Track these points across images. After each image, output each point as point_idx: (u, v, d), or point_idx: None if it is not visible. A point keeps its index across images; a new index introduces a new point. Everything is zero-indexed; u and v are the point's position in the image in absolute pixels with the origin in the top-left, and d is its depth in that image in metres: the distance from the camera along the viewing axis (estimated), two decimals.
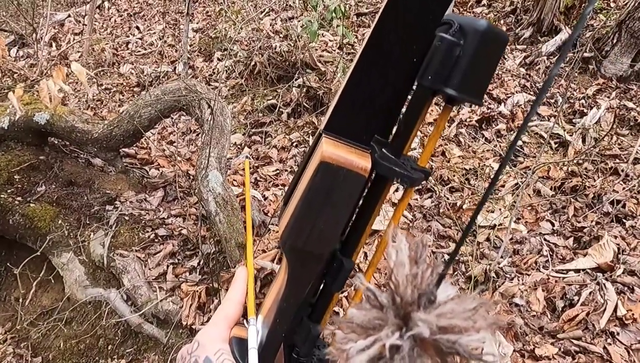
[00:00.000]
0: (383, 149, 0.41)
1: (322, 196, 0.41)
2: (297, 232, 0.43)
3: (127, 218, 2.46)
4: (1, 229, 2.41)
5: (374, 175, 0.42)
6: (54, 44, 6.01)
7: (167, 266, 2.29)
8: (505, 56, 3.85)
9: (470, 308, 0.26)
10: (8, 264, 2.58)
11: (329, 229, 0.42)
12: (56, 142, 2.81)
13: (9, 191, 2.48)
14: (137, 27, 6.00)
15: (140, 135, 2.51)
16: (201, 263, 2.31)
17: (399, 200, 0.43)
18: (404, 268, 0.28)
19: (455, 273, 2.11)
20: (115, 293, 2.19)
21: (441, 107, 0.40)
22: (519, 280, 2.03)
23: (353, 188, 0.41)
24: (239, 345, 0.50)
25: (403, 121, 0.41)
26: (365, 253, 2.13)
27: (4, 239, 2.53)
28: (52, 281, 2.44)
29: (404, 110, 0.41)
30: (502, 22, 4.37)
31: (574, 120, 3.10)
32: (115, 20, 6.59)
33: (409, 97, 0.40)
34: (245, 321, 0.51)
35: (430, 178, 2.56)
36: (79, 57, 5.54)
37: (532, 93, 3.41)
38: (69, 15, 6.94)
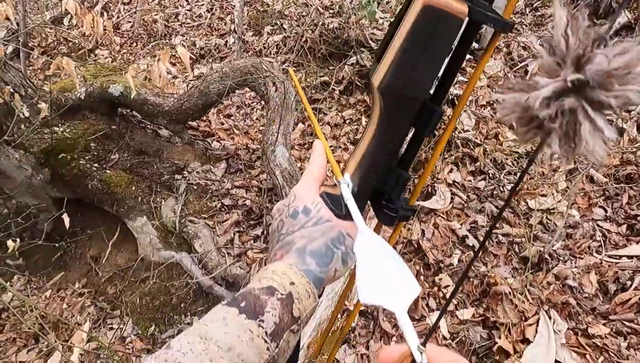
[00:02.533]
0: None
1: (425, 38, 0.44)
2: (399, 76, 0.46)
3: (195, 187, 2.62)
4: (81, 193, 2.61)
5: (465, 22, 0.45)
6: (105, 14, 6.17)
7: (234, 234, 2.46)
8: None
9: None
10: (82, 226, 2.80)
11: (427, 72, 0.46)
12: (125, 113, 2.98)
13: (86, 158, 2.67)
14: None
15: (207, 109, 2.65)
16: (265, 232, 2.46)
17: (485, 49, 0.49)
18: (572, 23, 0.30)
19: (509, 253, 2.21)
20: (187, 257, 2.37)
21: None
22: (572, 263, 2.11)
23: (452, 31, 0.44)
24: (330, 198, 0.55)
25: None
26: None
27: (80, 202, 2.73)
28: (126, 243, 2.65)
29: None
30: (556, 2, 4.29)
31: (629, 108, 3.09)
32: None
33: None
34: (336, 181, 0.56)
35: (484, 159, 2.63)
36: (130, 27, 5.69)
37: None
38: None
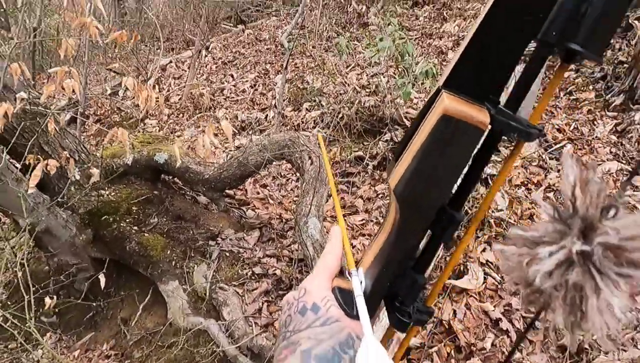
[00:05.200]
0: (499, 106, 0.44)
1: (441, 148, 0.44)
2: (415, 183, 0.45)
3: (227, 254, 2.68)
4: (119, 254, 2.70)
5: (487, 131, 0.44)
6: (157, 87, 6.65)
7: (262, 303, 2.46)
8: (595, 122, 3.84)
9: None
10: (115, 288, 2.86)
11: (445, 181, 0.45)
12: (167, 179, 3.14)
13: (127, 220, 2.79)
14: (232, 75, 6.52)
15: (245, 179, 2.76)
16: None
17: (511, 151, 0.47)
18: (582, 184, 0.28)
19: (546, 340, 2.11)
20: (215, 324, 2.37)
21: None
22: (614, 355, 1.99)
23: (471, 142, 0.43)
24: (342, 294, 0.52)
25: (521, 80, 0.44)
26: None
27: (116, 263, 2.82)
28: (156, 306, 2.68)
29: (519, 68, 0.44)
30: (591, 87, 4.36)
31: None
32: (211, 67, 7.20)
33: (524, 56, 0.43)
34: (347, 273, 0.53)
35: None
36: (179, 99, 6.09)
37: (624, 162, 3.36)
38: (170, 61, 7.66)
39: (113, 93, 6.00)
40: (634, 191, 3.11)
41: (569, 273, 0.27)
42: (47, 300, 2.19)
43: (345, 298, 0.52)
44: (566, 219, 0.29)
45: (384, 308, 0.56)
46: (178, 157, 1.85)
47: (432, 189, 0.46)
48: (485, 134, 0.44)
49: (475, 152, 0.46)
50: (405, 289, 0.52)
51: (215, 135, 2.40)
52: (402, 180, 0.46)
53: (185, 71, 6.85)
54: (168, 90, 6.32)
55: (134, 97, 1.71)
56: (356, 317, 0.50)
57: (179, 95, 6.13)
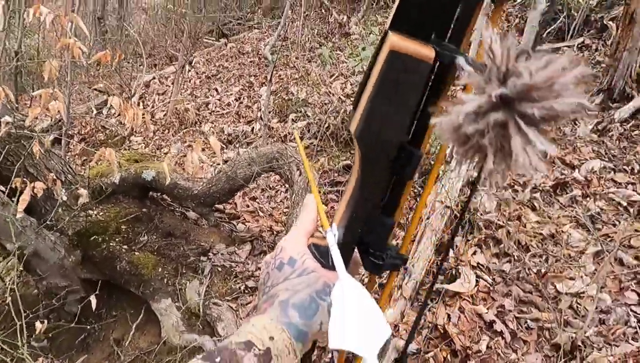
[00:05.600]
0: (443, 43, 0.46)
1: (392, 84, 0.45)
2: (372, 121, 0.47)
3: (219, 269, 2.66)
4: (109, 274, 2.67)
5: (436, 67, 0.47)
6: (141, 103, 6.62)
7: None
8: (577, 122, 3.91)
9: (564, 62, 0.29)
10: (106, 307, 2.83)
11: (400, 116, 0.47)
12: (155, 196, 3.12)
13: (117, 240, 2.76)
14: (216, 89, 6.53)
15: (234, 192, 2.76)
16: None
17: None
18: (498, 42, 0.31)
19: (540, 339, 2.13)
20: (210, 340, 2.35)
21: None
22: (607, 351, 2.02)
23: (419, 76, 0.45)
24: (317, 249, 0.54)
25: (460, 15, 0.46)
26: None
27: (107, 283, 2.79)
28: (150, 325, 2.65)
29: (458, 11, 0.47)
30: None
31: None
32: (195, 82, 7.20)
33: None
34: (322, 230, 0.55)
35: (509, 242, 2.62)
36: (164, 115, 6.07)
37: (606, 159, 3.43)
38: (154, 77, 7.64)
39: (97, 111, 5.97)
40: (617, 188, 3.17)
41: (492, 115, 0.29)
42: (38, 324, 2.15)
43: (321, 253, 0.54)
44: (486, 72, 0.31)
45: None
46: (167, 174, 1.85)
47: (387, 127, 0.47)
48: (434, 70, 0.47)
49: (425, 88, 0.48)
50: (376, 233, 0.54)
51: (203, 149, 2.40)
52: (359, 123, 0.47)
53: (169, 87, 6.83)
54: (152, 107, 6.30)
55: (119, 115, 1.71)
56: (332, 268, 0.51)
57: (163, 111, 6.11)
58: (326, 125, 4.25)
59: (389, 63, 0.44)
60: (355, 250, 0.56)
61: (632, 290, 2.35)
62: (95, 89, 6.10)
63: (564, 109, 0.29)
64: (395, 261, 0.55)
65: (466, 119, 0.31)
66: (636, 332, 2.10)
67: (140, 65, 7.19)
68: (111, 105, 1.82)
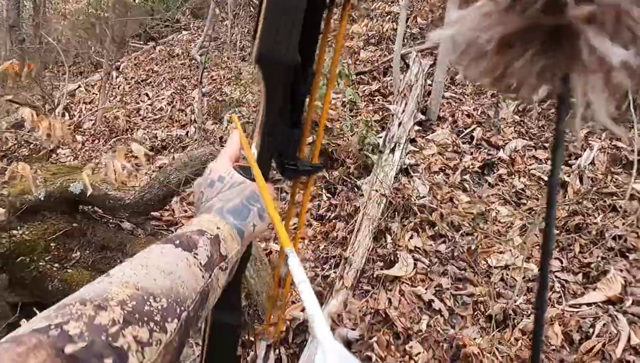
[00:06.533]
0: None
1: (278, 7, 0.52)
2: (265, 43, 0.53)
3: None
4: (41, 295, 2.53)
5: None
6: (66, 114, 6.30)
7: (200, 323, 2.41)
8: (500, 105, 4.12)
9: None
10: None
11: (288, 35, 0.52)
12: (87, 209, 2.98)
13: (46, 259, 2.62)
14: (147, 94, 6.32)
15: (169, 199, 2.69)
16: None
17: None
18: None
19: (476, 313, 2.24)
20: None
21: None
22: (533, 317, 2.16)
23: None
24: (242, 170, 0.63)
25: None
26: None
27: (41, 305, 2.64)
28: None
29: None
30: None
31: (570, 162, 3.31)
32: (124, 88, 6.93)
33: None
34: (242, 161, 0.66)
35: (442, 223, 2.73)
36: (92, 124, 5.81)
37: (527, 138, 3.65)
38: (79, 86, 7.28)
39: (18, 126, 5.61)
40: (538, 164, 3.37)
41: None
42: None
43: (245, 172, 0.62)
44: None
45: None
46: (88, 185, 1.77)
47: (279, 45, 0.53)
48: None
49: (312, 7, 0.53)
50: (287, 143, 0.61)
51: (131, 158, 2.32)
52: (256, 49, 0.53)
53: (97, 95, 6.54)
54: (80, 116, 6.01)
55: (33, 128, 1.62)
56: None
57: (92, 120, 5.84)
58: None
59: None
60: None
61: (556, 258, 2.52)
62: (11, 101, 5.73)
63: None
64: (307, 167, 0.64)
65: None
66: (560, 296, 2.26)
67: (63, 74, 6.83)
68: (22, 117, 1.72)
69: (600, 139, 3.44)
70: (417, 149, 3.54)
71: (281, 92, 0.57)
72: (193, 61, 6.87)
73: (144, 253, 0.49)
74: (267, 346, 2.12)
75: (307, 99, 0.64)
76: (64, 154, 5.25)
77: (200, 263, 0.49)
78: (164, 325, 0.41)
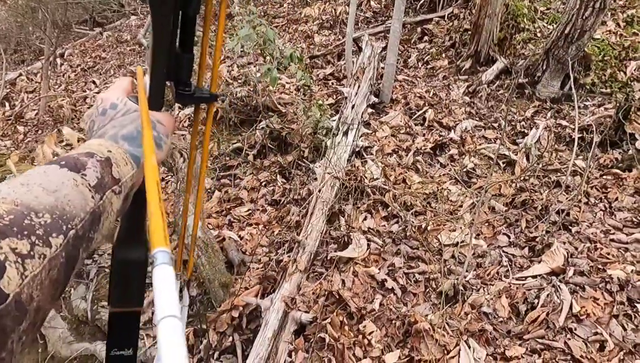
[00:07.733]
0: None
1: None
2: None
3: (107, 269, 2.50)
4: None
5: None
6: (7, 104, 5.96)
7: (152, 312, 2.34)
8: (451, 86, 4.18)
9: None
10: None
11: None
12: None
13: None
14: (94, 82, 6.06)
15: None
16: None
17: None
18: None
19: (427, 290, 2.28)
20: (103, 345, 2.21)
21: None
22: (484, 291, 2.21)
23: None
24: (136, 99, 0.61)
25: None
26: None
27: None
28: (33, 342, 2.43)
29: None
30: (443, 55, 4.74)
31: (517, 141, 3.40)
32: (69, 76, 6.62)
33: None
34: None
35: (395, 204, 2.76)
36: (35, 114, 5.53)
37: (477, 119, 3.72)
38: (20, 74, 6.91)
39: None
40: (488, 143, 3.45)
41: None
42: None
43: (136, 101, 0.60)
44: None
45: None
46: (15, 172, 1.67)
47: None
48: None
49: None
50: (179, 69, 0.59)
51: (69, 144, 2.21)
52: None
53: (39, 83, 6.21)
54: (21, 106, 5.70)
55: None
56: (153, 108, 0.58)
57: (34, 110, 5.55)
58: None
59: None
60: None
61: (504, 234, 2.59)
62: None
63: None
64: (204, 94, 0.61)
65: None
66: (507, 270, 2.32)
67: (2, 63, 6.44)
68: None
69: (545, 118, 3.55)
70: (371, 132, 3.55)
71: (167, 14, 0.54)
72: (142, 47, 6.63)
73: (25, 174, 0.45)
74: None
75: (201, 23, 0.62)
76: (5, 146, 4.97)
77: (89, 184, 0.46)
78: (48, 240, 0.39)
